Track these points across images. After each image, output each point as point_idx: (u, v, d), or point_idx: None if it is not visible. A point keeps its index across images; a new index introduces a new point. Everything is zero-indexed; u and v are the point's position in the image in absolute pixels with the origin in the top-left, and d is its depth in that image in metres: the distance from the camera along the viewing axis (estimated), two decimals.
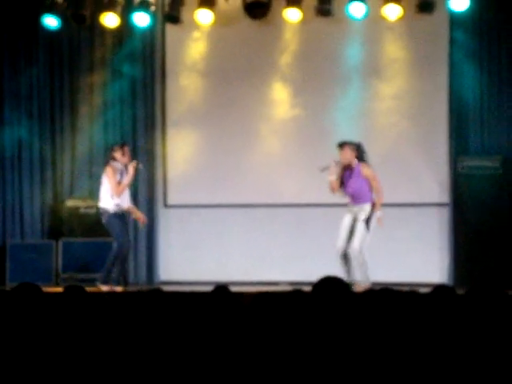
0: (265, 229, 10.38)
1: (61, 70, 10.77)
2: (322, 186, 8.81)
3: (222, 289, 5.21)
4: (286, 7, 10.00)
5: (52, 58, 10.73)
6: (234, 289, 5.50)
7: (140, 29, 10.33)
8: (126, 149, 9.23)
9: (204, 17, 10.18)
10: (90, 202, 10.45)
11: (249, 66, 10.48)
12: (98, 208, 10.18)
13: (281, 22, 10.17)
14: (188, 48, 10.64)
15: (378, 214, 8.55)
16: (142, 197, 10.63)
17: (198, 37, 10.59)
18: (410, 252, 9.95)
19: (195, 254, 10.46)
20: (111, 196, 9.06)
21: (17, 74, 10.70)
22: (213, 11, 10.17)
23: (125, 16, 10.23)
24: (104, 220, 9.18)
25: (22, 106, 10.73)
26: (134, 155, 10.54)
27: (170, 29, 10.56)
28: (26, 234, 10.72)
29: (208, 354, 3.92)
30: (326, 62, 10.32)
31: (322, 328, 4.27)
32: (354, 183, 8.63)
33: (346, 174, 8.67)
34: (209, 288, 5.21)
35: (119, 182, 9.08)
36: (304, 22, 10.07)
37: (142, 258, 10.64)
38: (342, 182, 8.69)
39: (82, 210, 10.49)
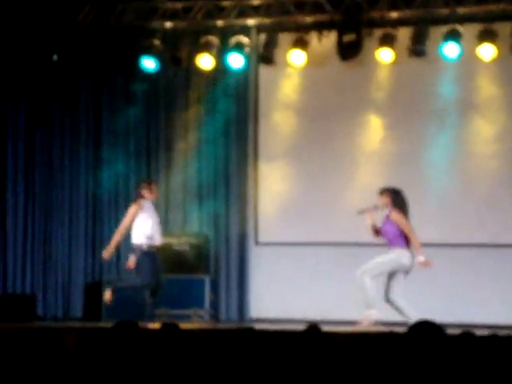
0: (357, 267, 10.32)
1: (157, 109, 11.03)
2: (416, 224, 8.75)
3: (314, 328, 5.21)
4: (378, 48, 10.04)
5: (149, 97, 11.00)
6: (325, 328, 5.50)
7: (234, 69, 10.51)
8: (153, 186, 9.42)
9: (297, 57, 10.31)
10: (183, 239, 10.62)
11: (341, 105, 10.54)
12: (191, 245, 10.37)
13: (373, 62, 10.21)
14: (281, 87, 10.77)
15: (418, 258, 8.59)
16: (233, 234, 10.74)
17: (290, 77, 10.71)
18: None
19: (286, 292, 10.47)
20: (147, 228, 9.19)
21: (115, 112, 10.99)
22: (306, 52, 10.29)
23: (220, 57, 10.44)
24: (136, 256, 9.26)
25: (119, 143, 11.01)
26: (227, 194, 10.74)
27: (264, 69, 10.71)
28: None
29: None
30: (420, 101, 10.31)
31: (415, 372, 4.23)
32: (385, 228, 8.78)
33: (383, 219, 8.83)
34: (300, 326, 5.22)
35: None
36: (396, 62, 10.09)
37: (234, 295, 10.72)
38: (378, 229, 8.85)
39: (176, 247, 10.64)
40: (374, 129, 10.56)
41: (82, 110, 11.06)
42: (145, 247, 9.20)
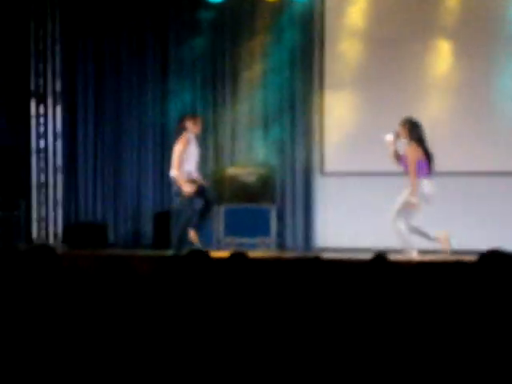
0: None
1: (223, 39, 11.00)
2: (488, 154, 8.70)
3: (381, 257, 5.24)
4: None
5: (215, 27, 10.97)
6: (391, 257, 5.54)
7: (299, 0, 10.41)
8: (198, 119, 9.42)
9: None
10: (250, 169, 10.70)
11: (409, 32, 10.37)
12: (257, 175, 10.42)
13: None
14: (347, 15, 10.64)
15: (412, 200, 8.81)
16: (298, 165, 10.77)
17: (356, 4, 10.56)
18: None
19: (352, 221, 10.49)
20: (188, 163, 9.22)
21: (181, 42, 11.01)
22: None
23: None
24: (176, 188, 9.36)
25: (185, 73, 11.04)
26: (293, 123, 10.74)
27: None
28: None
29: (367, 323, 3.97)
30: (491, 27, 10.09)
31: (485, 301, 4.23)
32: (403, 158, 8.90)
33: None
34: (367, 255, 5.26)
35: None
36: None
37: (299, 224, 10.79)
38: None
39: (243, 177, 10.73)
40: (444, 56, 10.39)
41: (149, 41, 11.10)
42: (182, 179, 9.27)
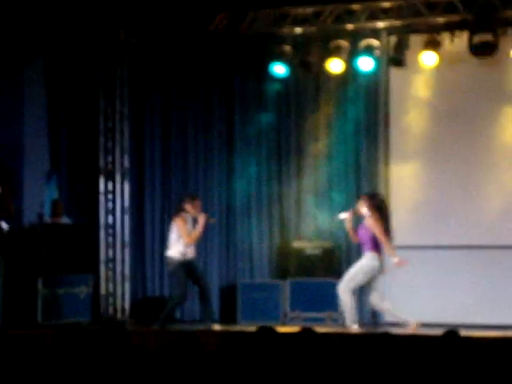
0: (493, 271, 10.14)
1: (288, 114, 11.10)
2: None
3: (452, 332, 5.15)
4: None
5: (279, 102, 11.09)
6: (463, 333, 5.43)
7: (364, 72, 10.49)
8: (197, 201, 9.81)
9: (429, 58, 10.19)
10: (315, 243, 10.69)
11: (475, 105, 10.35)
12: (323, 248, 10.43)
13: (507, 61, 9.99)
14: (412, 89, 10.67)
15: (392, 260, 9.27)
16: None
17: (422, 78, 10.60)
18: None
19: (420, 295, 10.35)
20: (181, 244, 9.64)
21: (247, 118, 11.15)
22: (437, 53, 10.16)
23: (350, 61, 10.44)
24: (170, 268, 9.79)
25: (251, 149, 11.15)
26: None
27: (394, 71, 10.64)
28: (255, 274, 11.07)
29: None
30: None
31: None
32: (360, 232, 9.35)
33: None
34: (436, 331, 5.16)
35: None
36: None
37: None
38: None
39: (308, 251, 10.71)
40: (509, 129, 10.32)
41: (215, 118, 11.27)
42: (178, 260, 9.67)
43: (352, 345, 4.97)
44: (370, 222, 9.25)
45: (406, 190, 10.64)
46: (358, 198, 9.60)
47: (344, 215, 9.52)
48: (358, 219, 9.57)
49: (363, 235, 9.35)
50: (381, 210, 9.34)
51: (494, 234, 10.14)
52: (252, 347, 4.41)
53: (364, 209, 9.35)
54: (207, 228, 11.20)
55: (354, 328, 9.16)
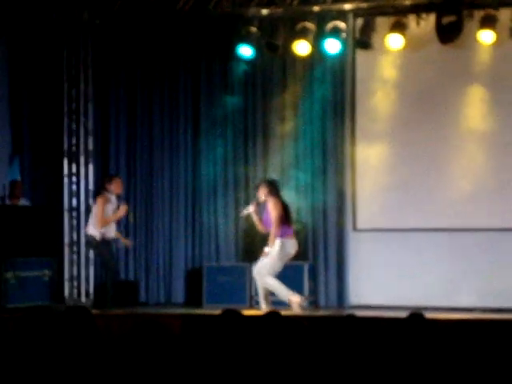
0: (455, 253, 10.19)
1: (254, 95, 11.04)
2: None
3: (416, 315, 5.15)
4: (479, 29, 9.83)
5: (246, 84, 11.02)
6: (429, 315, 5.43)
7: (331, 55, 10.46)
8: (115, 180, 10.09)
9: (395, 41, 10.18)
10: None
11: (440, 87, 10.36)
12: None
13: (473, 44, 10.01)
14: (378, 71, 10.66)
15: (265, 249, 9.55)
16: (331, 221, 10.71)
17: (388, 60, 10.58)
18: None
19: (385, 278, 10.38)
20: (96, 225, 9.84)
21: (213, 99, 11.07)
22: (404, 35, 10.15)
23: (316, 43, 10.39)
24: (91, 247, 10.13)
25: (217, 131, 11.07)
26: (324, 178, 10.70)
27: (361, 54, 10.62)
28: (221, 257, 11.04)
29: (400, 379, 3.89)
30: None
31: None
32: (265, 219, 9.57)
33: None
34: (401, 313, 5.17)
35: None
36: (498, 43, 9.87)
37: (332, 281, 10.68)
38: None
39: None
40: (475, 110, 10.35)
41: (181, 98, 11.18)
42: (98, 238, 9.87)
43: (317, 327, 4.95)
44: (270, 206, 9.49)
45: (373, 172, 10.63)
46: (257, 185, 9.80)
47: (249, 208, 9.75)
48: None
49: (267, 221, 9.55)
50: (279, 195, 9.64)
51: (461, 216, 10.18)
52: (217, 330, 4.37)
53: (263, 195, 9.57)
54: (173, 210, 11.18)
55: (295, 299, 9.33)
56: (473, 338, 4.46)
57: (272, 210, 9.49)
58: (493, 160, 10.21)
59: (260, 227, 9.76)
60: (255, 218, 9.76)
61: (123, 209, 10.01)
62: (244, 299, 10.35)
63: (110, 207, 9.94)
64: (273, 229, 9.45)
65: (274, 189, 9.63)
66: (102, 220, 9.79)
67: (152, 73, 11.21)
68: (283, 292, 9.38)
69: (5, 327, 4.83)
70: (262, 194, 9.62)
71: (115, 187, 9.96)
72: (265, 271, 9.42)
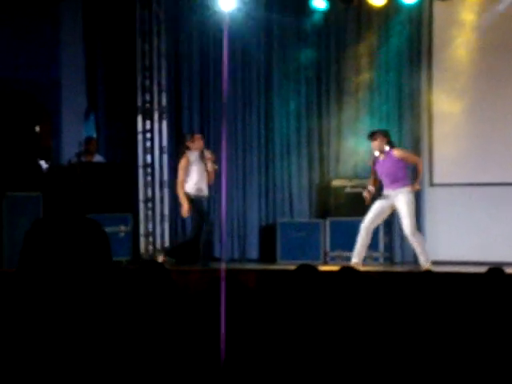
0: None
1: (327, 49, 10.90)
2: None
3: (496, 270, 5.05)
4: None
5: (319, 36, 10.88)
6: (506, 270, 5.33)
7: (407, 5, 10.24)
8: (196, 137, 9.63)
9: None
10: (355, 182, 10.56)
11: None
12: (364, 187, 10.29)
13: None
14: (456, 22, 10.38)
15: (415, 186, 8.95)
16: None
17: (467, 10, 10.31)
18: None
19: (463, 233, 10.24)
20: (192, 181, 9.48)
21: (286, 54, 10.96)
22: None
23: None
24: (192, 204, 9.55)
25: (290, 86, 10.97)
26: (400, 132, 10.52)
27: (438, 5, 10.37)
28: (294, 213, 11.01)
29: (485, 336, 3.82)
30: None
31: None
32: (390, 168, 8.90)
33: (379, 162, 8.98)
34: (479, 269, 5.07)
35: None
36: None
37: None
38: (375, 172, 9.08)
39: (348, 190, 10.60)
40: None
41: (253, 52, 11.08)
42: (192, 197, 9.47)
43: (393, 283, 4.90)
44: (402, 153, 9.05)
45: (450, 128, 10.42)
46: (371, 136, 9.06)
47: (369, 188, 9.13)
48: None
49: (394, 170, 8.97)
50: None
51: None
52: (291, 285, 4.35)
53: (381, 147, 9.01)
54: (246, 166, 11.16)
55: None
56: None
57: (408, 155, 9.10)
58: None
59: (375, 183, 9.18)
60: (373, 189, 9.15)
61: (211, 167, 9.67)
62: (318, 255, 10.32)
63: (194, 166, 9.64)
64: (421, 168, 9.12)
65: (389, 138, 9.12)
66: (182, 181, 9.58)
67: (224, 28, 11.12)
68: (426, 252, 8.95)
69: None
70: (379, 143, 9.02)
71: (197, 144, 9.66)
72: (412, 227, 8.92)
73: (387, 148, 9.00)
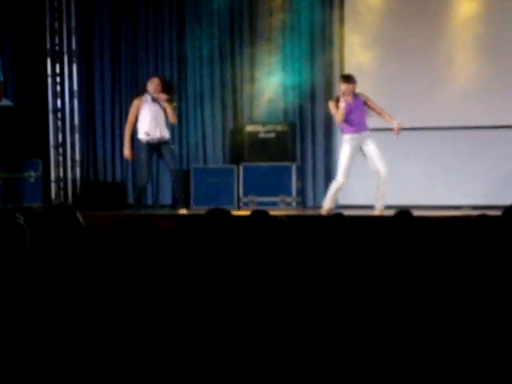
0: (447, 151, 10.16)
1: None
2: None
3: (404, 213, 5.16)
4: None
5: None
6: (416, 213, 5.44)
7: None
8: (151, 79, 9.45)
9: None
10: (269, 127, 10.58)
11: None
12: (277, 132, 10.30)
13: None
14: None
15: (396, 123, 8.93)
16: (319, 120, 10.63)
17: None
18: None
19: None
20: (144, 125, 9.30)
21: None
22: None
23: None
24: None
25: (203, 29, 10.84)
26: (312, 77, 10.52)
27: None
28: (208, 160, 10.99)
29: (390, 277, 3.89)
30: None
31: (508, 255, 4.15)
32: (358, 112, 8.84)
33: (349, 106, 8.81)
34: (390, 212, 5.16)
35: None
36: None
37: (320, 181, 10.66)
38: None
39: (262, 135, 10.61)
40: (477, 5, 10.11)
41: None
42: (143, 142, 9.31)
43: (305, 227, 4.95)
44: (365, 97, 8.99)
45: (361, 68, 10.35)
46: (348, 79, 8.85)
47: (342, 104, 8.84)
48: None
49: (363, 114, 8.97)
50: None
51: (455, 114, 10.12)
52: (203, 229, 4.36)
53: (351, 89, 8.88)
54: None
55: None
56: (460, 234, 4.47)
57: (369, 98, 8.99)
58: (479, 60, 10.10)
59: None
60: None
61: (169, 107, 9.35)
62: (232, 201, 10.35)
63: (147, 108, 9.35)
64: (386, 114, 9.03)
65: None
66: (130, 122, 9.35)
67: None
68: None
69: None
70: (354, 89, 8.86)
71: (150, 86, 9.38)
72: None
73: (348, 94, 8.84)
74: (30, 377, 3.21)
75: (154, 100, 9.33)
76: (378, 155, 8.87)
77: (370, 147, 8.89)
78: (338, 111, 8.82)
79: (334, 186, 9.01)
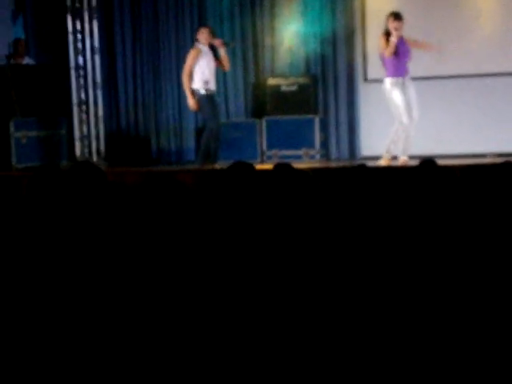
0: (470, 100, 10.10)
1: None
2: None
3: (429, 162, 5.13)
4: None
5: None
6: (441, 162, 5.43)
7: None
8: (201, 29, 9.48)
9: None
10: (291, 80, 10.54)
11: None
12: (299, 85, 10.25)
13: None
14: None
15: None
16: (341, 72, 10.57)
17: None
18: None
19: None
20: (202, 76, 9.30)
21: None
22: None
23: None
24: (197, 102, 9.41)
25: None
26: (333, 29, 10.45)
27: None
28: (230, 114, 10.97)
29: (415, 228, 3.88)
30: None
31: None
32: (405, 54, 8.79)
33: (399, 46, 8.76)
34: (415, 162, 5.14)
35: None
36: None
37: (344, 134, 10.65)
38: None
39: (284, 88, 10.57)
40: None
41: None
42: (202, 92, 9.30)
43: (328, 179, 4.94)
44: (410, 38, 9.01)
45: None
46: (401, 18, 8.79)
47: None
48: None
49: (406, 57, 8.94)
50: None
51: (476, 62, 10.04)
52: (228, 183, 4.37)
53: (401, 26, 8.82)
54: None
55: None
56: (485, 182, 4.45)
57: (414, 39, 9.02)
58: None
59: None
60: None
61: (221, 47, 9.49)
62: (255, 155, 10.36)
63: (205, 58, 9.41)
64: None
65: None
66: (188, 72, 9.37)
67: None
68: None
69: (17, 187, 4.84)
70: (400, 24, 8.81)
71: (202, 37, 9.43)
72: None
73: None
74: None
75: (212, 47, 9.35)
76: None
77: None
78: (388, 46, 8.75)
79: (399, 132, 8.92)
